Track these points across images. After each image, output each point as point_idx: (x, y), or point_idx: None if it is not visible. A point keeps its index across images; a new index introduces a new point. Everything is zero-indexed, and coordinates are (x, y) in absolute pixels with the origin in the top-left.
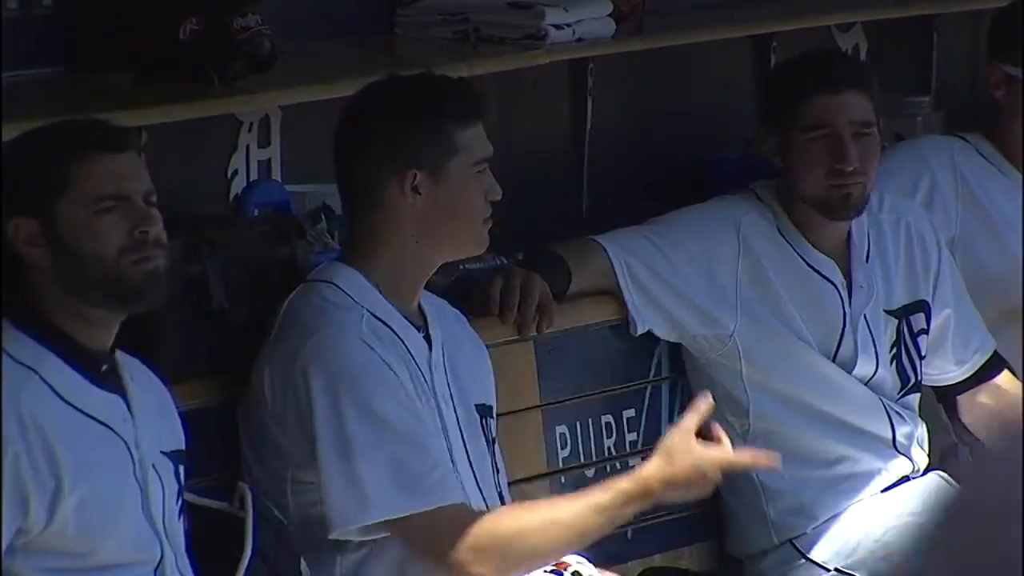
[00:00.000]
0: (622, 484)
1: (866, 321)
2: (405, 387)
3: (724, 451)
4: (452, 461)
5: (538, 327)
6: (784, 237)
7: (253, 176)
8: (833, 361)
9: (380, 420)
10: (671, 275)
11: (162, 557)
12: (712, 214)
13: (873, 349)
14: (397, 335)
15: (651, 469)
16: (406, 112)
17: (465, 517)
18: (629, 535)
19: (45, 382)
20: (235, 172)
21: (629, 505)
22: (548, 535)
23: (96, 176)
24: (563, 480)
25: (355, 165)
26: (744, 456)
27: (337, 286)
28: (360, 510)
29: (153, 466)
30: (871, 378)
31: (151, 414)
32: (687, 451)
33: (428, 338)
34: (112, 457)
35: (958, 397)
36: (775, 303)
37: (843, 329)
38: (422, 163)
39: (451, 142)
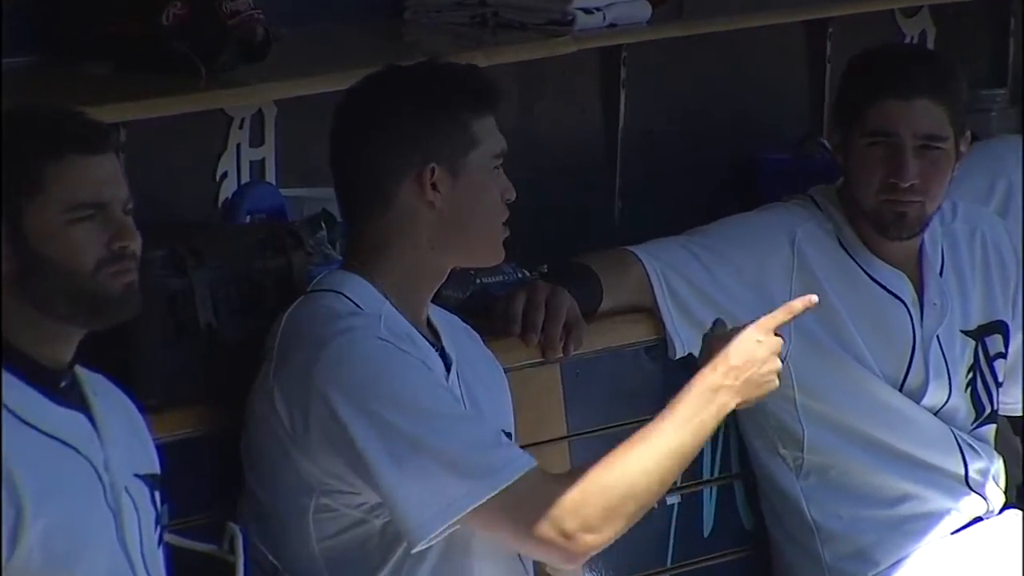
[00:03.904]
0: (689, 391)
1: (939, 343)
2: (434, 372)
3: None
4: None
5: (565, 348)
6: (846, 250)
7: (245, 178)
8: (902, 388)
9: (420, 413)
10: (715, 292)
11: None
12: (764, 223)
13: (946, 374)
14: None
15: (708, 366)
16: (420, 101)
17: (548, 481)
18: None
19: None
20: (224, 174)
21: (708, 409)
22: (645, 467)
23: (73, 180)
24: None
25: (362, 162)
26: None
27: (345, 296)
28: (442, 510)
29: (126, 490)
30: (943, 407)
31: (120, 434)
32: (740, 340)
33: (444, 355)
34: (79, 480)
35: None
36: (834, 324)
37: (913, 352)
38: (440, 157)
39: (469, 133)
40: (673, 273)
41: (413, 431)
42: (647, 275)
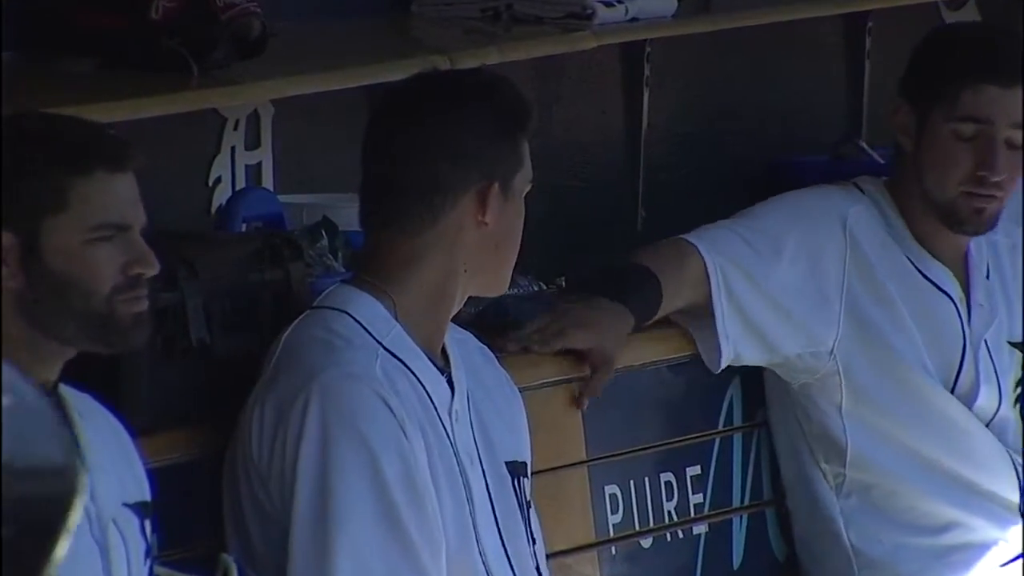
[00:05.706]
0: None
1: (987, 347)
2: (419, 465)
3: None
4: (475, 530)
5: (578, 401)
6: (895, 240)
7: (240, 184)
8: (953, 391)
9: (379, 501)
10: (767, 280)
11: None
12: (813, 202)
13: (996, 381)
14: (418, 379)
15: None
16: (485, 113)
17: None
18: None
19: None
20: (218, 179)
21: None
22: None
23: (99, 200)
24: (614, 552)
25: (415, 170)
26: None
27: (350, 315)
28: None
29: (114, 521)
30: (993, 418)
31: (107, 459)
32: None
33: (451, 382)
34: None
35: None
36: (888, 312)
37: (963, 354)
38: (497, 174)
39: (519, 152)
40: (729, 265)
41: (357, 511)
42: (706, 271)
